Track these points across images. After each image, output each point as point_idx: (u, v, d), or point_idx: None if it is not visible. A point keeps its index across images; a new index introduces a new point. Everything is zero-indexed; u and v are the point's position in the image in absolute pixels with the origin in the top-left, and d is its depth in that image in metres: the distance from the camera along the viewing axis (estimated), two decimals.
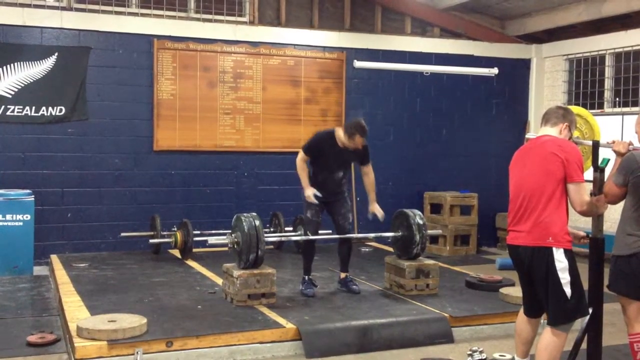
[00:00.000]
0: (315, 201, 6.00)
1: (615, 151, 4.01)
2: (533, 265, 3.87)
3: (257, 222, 5.71)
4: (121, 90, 8.25)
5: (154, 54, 8.31)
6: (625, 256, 3.92)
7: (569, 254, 3.81)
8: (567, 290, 3.78)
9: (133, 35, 8.25)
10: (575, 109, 4.34)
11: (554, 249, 3.77)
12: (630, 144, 4.01)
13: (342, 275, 6.36)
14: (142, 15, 8.35)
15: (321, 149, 6.07)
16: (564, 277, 3.77)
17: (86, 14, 8.07)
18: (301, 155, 6.11)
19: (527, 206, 3.86)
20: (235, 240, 5.75)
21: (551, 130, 3.99)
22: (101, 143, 8.21)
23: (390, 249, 8.40)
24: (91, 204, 8.18)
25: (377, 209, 6.21)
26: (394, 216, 6.44)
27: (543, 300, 3.90)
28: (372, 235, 6.41)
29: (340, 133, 6.07)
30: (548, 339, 3.86)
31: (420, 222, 6.18)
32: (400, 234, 6.27)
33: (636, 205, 3.91)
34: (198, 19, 8.60)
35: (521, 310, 4.19)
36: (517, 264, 4.03)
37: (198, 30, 8.54)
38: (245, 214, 5.83)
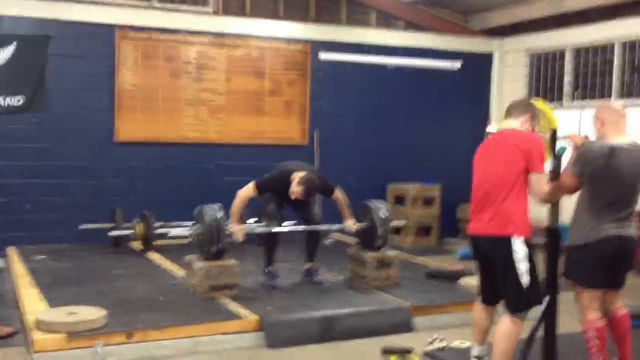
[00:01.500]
0: (241, 239, 5.88)
1: (572, 144, 4.09)
2: (492, 254, 3.94)
3: (220, 214, 5.67)
4: (82, 80, 8.12)
5: (116, 44, 8.19)
6: (579, 246, 4.01)
7: (528, 244, 3.87)
8: (525, 279, 3.84)
9: (94, 25, 8.12)
10: (534, 103, 4.41)
11: (513, 239, 3.83)
12: (586, 137, 4.10)
13: (307, 265, 6.37)
14: (104, 4, 8.22)
15: (276, 188, 5.97)
16: (522, 267, 3.83)
17: (46, 2, 7.92)
18: (249, 190, 5.86)
19: (489, 196, 3.91)
20: (198, 231, 5.71)
21: (514, 123, 4.06)
22: (61, 134, 8.08)
23: (354, 241, 8.45)
24: (50, 196, 8.05)
25: (351, 225, 6.18)
26: (358, 208, 6.47)
27: (501, 288, 3.97)
28: (336, 226, 6.43)
29: (295, 179, 5.85)
30: (505, 326, 3.93)
31: (384, 215, 6.22)
32: (363, 224, 6.31)
33: (590, 197, 3.99)
34: (161, 9, 8.49)
35: (478, 299, 4.26)
36: (476, 253, 4.09)
37: (161, 20, 8.44)
38: (207, 206, 5.79)
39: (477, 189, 4.01)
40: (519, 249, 3.83)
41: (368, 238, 6.29)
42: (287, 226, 6.36)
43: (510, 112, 4.11)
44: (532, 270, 3.87)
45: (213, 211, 5.69)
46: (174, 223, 7.71)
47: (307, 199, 6.03)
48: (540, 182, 3.87)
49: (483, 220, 3.94)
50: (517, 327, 3.93)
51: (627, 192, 3.99)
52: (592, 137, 4.19)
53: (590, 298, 4.05)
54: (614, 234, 3.94)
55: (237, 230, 5.87)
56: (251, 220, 7.14)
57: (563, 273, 4.15)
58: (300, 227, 6.30)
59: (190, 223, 5.94)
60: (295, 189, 5.83)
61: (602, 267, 3.99)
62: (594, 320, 4.04)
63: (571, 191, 4.09)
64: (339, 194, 6.18)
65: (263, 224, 6.32)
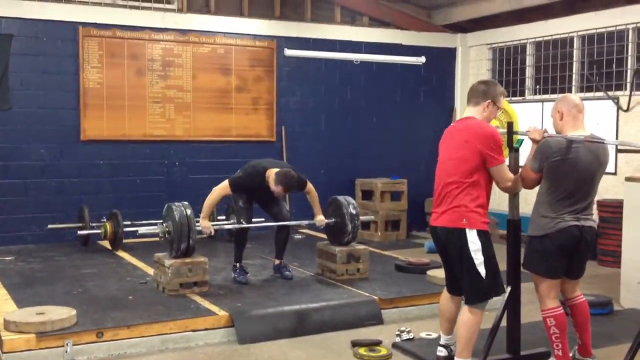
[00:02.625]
0: (212, 232, 6.01)
1: (531, 138, 4.18)
2: (449, 246, 4.05)
3: (189, 211, 5.69)
4: (46, 79, 8.04)
5: (80, 42, 8.13)
6: (539, 237, 4.13)
7: (483, 235, 3.96)
8: (481, 270, 3.94)
9: (57, 23, 8.05)
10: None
11: (468, 230, 3.93)
12: (545, 131, 4.19)
13: (277, 261, 6.42)
14: (67, 1, 8.15)
15: (250, 187, 5.99)
16: (478, 258, 3.93)
17: (8, 0, 7.82)
18: (224, 188, 5.90)
19: (445, 190, 4.01)
20: (167, 229, 5.73)
21: (473, 111, 4.11)
22: (26, 133, 8.00)
23: (323, 236, 8.53)
24: (16, 196, 7.97)
25: (322, 220, 6.26)
26: (328, 203, 6.53)
27: (460, 279, 4.07)
28: (305, 222, 6.48)
29: (271, 176, 5.88)
30: (465, 316, 4.04)
31: (353, 211, 6.29)
32: (332, 220, 6.38)
33: (550, 189, 4.11)
34: (125, 6, 8.45)
35: (445, 289, 4.36)
36: (437, 245, 4.20)
37: (125, 17, 8.39)
38: (176, 203, 5.81)
39: (437, 183, 4.11)
40: (474, 240, 3.92)
41: (337, 233, 6.37)
42: (257, 223, 6.40)
43: (470, 97, 4.15)
44: (489, 262, 3.96)
45: (182, 208, 5.70)
46: (143, 221, 7.71)
47: (285, 195, 6.08)
48: (502, 172, 3.98)
49: (439, 212, 4.05)
50: (476, 317, 4.03)
51: (586, 184, 4.10)
52: (551, 129, 4.30)
53: (549, 287, 4.17)
54: (572, 224, 4.06)
55: (207, 226, 5.92)
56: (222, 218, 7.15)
57: (523, 263, 4.27)
58: (271, 224, 6.35)
59: (158, 221, 5.94)
60: (276, 189, 5.88)
61: (560, 257, 4.11)
62: (553, 309, 4.16)
63: (531, 185, 4.20)
64: (311, 188, 6.26)
65: (233, 220, 6.35)
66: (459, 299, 4.29)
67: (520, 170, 4.21)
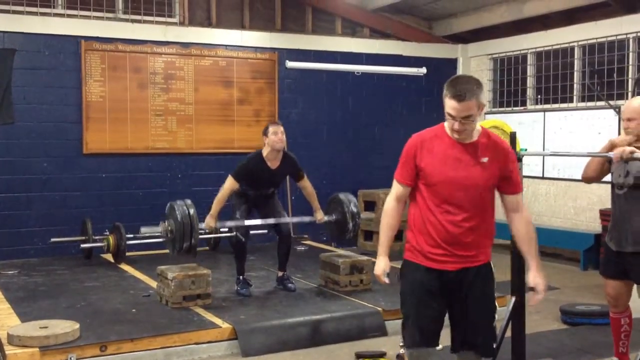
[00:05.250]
0: (215, 227, 5.98)
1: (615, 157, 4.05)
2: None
3: (192, 211, 5.62)
4: (48, 93, 8.08)
5: (82, 56, 8.16)
6: None
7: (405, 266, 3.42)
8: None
9: (59, 37, 8.09)
10: (490, 122, 4.40)
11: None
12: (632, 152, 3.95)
13: (280, 273, 6.41)
14: (69, 16, 8.19)
15: (251, 173, 5.98)
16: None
17: (10, 15, 7.87)
18: (231, 183, 5.90)
19: None
20: (169, 228, 5.66)
21: None
22: (29, 147, 8.02)
23: (326, 247, 8.53)
24: (19, 210, 7.98)
25: (322, 217, 6.27)
26: (329, 200, 6.49)
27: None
28: (307, 218, 6.38)
29: (265, 151, 5.98)
30: None
31: (354, 209, 6.26)
32: (333, 217, 6.33)
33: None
34: (127, 20, 8.49)
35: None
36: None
37: (127, 31, 8.43)
38: (178, 202, 5.73)
39: None
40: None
41: (338, 231, 6.35)
42: (258, 220, 6.24)
43: None
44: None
45: (185, 207, 5.63)
46: (146, 234, 7.69)
47: (288, 168, 6.09)
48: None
49: None
50: None
51: None
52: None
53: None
54: None
55: (210, 225, 5.88)
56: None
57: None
58: (271, 220, 6.20)
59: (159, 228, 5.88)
60: (274, 137, 5.88)
61: None
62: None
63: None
64: (308, 182, 6.25)
65: (233, 224, 6.21)
66: None
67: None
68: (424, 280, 3.28)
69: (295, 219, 6.84)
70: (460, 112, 3.07)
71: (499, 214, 3.37)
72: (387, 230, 3.41)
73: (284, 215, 6.35)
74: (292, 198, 8.91)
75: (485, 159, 3.18)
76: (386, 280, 3.39)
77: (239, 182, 5.97)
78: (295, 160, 6.19)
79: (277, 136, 5.92)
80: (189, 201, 5.78)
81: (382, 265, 3.42)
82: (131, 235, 7.71)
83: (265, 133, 5.98)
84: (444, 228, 3.19)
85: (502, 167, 3.22)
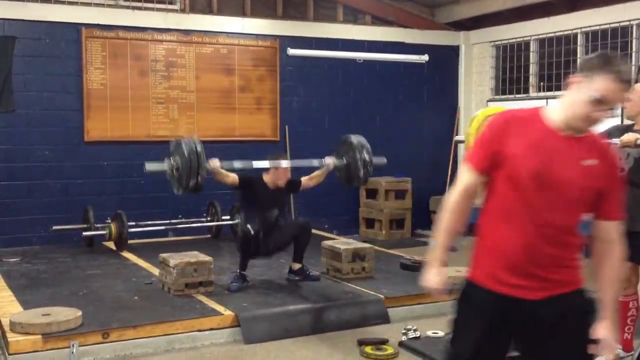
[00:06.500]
0: (221, 166, 5.72)
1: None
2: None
3: (199, 147, 5.37)
4: (49, 81, 8.05)
5: (83, 43, 8.13)
6: None
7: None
8: None
9: (60, 24, 8.05)
10: (492, 110, 4.35)
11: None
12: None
13: (297, 265, 6.16)
14: (69, 3, 8.15)
15: (253, 187, 5.89)
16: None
17: (11, 3, 7.82)
18: (233, 176, 5.80)
19: None
20: (175, 165, 5.41)
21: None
22: (29, 135, 8.00)
23: (327, 235, 8.53)
24: (21, 197, 7.97)
25: (330, 162, 6.07)
26: (340, 142, 6.25)
27: None
28: (315, 161, 6.18)
29: (266, 176, 5.97)
30: None
31: (367, 157, 5.99)
32: (343, 163, 6.11)
33: None
34: (127, 7, 8.44)
35: None
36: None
37: (127, 18, 8.39)
38: (185, 139, 5.49)
39: None
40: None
41: (347, 177, 6.15)
42: (265, 162, 6.01)
43: None
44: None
45: (192, 143, 5.38)
46: (148, 222, 7.71)
47: (286, 187, 6.06)
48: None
49: None
50: None
51: None
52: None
53: None
54: None
55: (215, 162, 5.62)
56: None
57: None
58: (284, 162, 6.03)
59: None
60: (275, 173, 5.88)
61: None
62: None
63: None
64: (307, 181, 6.19)
65: (241, 165, 6.01)
66: None
67: None
68: (495, 310, 2.48)
69: (304, 162, 6.38)
70: (621, 99, 2.43)
71: None
72: (447, 233, 2.57)
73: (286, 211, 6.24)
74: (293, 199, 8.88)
75: (590, 162, 2.42)
76: (445, 295, 2.60)
77: (240, 181, 5.84)
78: (293, 179, 6.11)
79: (277, 175, 5.91)
80: (196, 137, 5.53)
81: (434, 278, 2.55)
82: (133, 223, 7.72)
83: (269, 158, 5.91)
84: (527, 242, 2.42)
85: (608, 179, 2.45)
